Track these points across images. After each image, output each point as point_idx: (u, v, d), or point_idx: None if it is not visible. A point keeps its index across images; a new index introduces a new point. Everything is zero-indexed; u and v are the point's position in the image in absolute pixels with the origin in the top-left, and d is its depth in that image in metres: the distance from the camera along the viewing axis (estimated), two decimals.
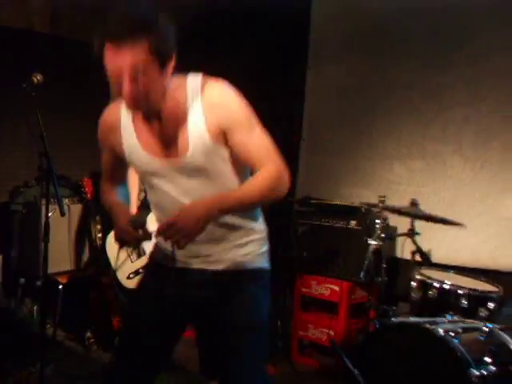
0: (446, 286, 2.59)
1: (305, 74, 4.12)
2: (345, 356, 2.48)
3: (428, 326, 2.36)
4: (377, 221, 2.83)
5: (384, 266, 2.78)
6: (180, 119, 1.49)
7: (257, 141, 1.51)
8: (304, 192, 3.80)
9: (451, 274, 2.86)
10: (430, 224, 2.68)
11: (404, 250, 2.96)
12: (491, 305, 2.56)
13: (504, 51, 3.11)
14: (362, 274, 2.76)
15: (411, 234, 2.73)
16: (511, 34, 3.11)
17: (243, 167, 1.59)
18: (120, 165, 1.69)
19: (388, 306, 2.72)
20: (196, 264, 1.63)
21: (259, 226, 1.70)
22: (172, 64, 1.44)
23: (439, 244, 3.11)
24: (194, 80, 1.50)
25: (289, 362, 3.18)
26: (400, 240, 3.00)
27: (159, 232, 1.44)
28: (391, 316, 2.66)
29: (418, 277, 2.66)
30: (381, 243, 2.69)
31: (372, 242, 2.72)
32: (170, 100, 1.49)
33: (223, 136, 1.49)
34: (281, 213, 3.52)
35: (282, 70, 4.11)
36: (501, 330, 2.43)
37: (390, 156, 3.56)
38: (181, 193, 1.56)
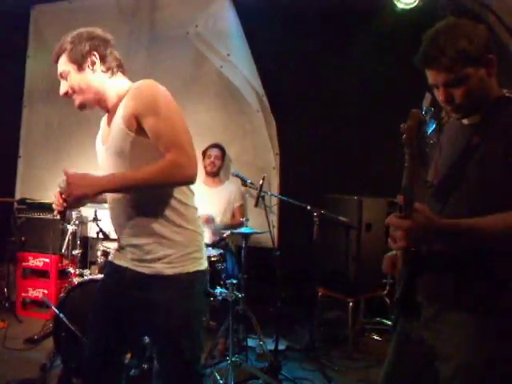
0: None
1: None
2: (54, 306, 3.02)
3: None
4: (73, 212, 3.98)
5: (78, 242, 3.99)
6: (116, 113, 1.71)
7: (166, 127, 1.61)
8: (21, 195, 4.95)
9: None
10: None
11: (91, 230, 4.15)
12: None
13: None
14: (63, 249, 3.97)
15: (95, 219, 3.74)
16: None
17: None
18: None
19: (83, 269, 3.66)
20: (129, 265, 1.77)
21: (177, 230, 1.72)
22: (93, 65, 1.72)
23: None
24: (138, 82, 1.73)
25: (15, 316, 4.31)
26: (89, 224, 4.12)
27: (59, 185, 1.66)
28: (85, 275, 3.52)
29: (101, 248, 3.53)
30: (75, 228, 3.91)
31: (69, 227, 3.86)
32: (115, 100, 1.76)
33: (134, 121, 1.64)
34: (2, 210, 4.62)
35: None
36: None
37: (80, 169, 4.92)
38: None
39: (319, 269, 3.90)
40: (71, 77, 1.76)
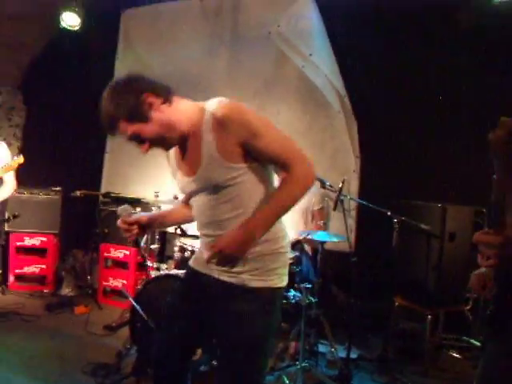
0: (196, 249, 3.32)
1: None
2: (131, 298, 3.13)
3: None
4: (152, 208, 4.14)
5: (157, 237, 4.17)
6: (197, 141, 1.61)
7: (276, 143, 1.59)
8: (106, 188, 5.20)
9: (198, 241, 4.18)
10: None
11: None
12: None
13: None
14: (142, 243, 3.89)
15: None
16: None
17: (267, 177, 1.68)
18: None
19: (160, 263, 3.82)
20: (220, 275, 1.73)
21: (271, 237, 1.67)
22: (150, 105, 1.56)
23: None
24: (210, 103, 1.61)
25: (96, 303, 4.57)
26: None
27: (208, 260, 1.61)
28: (161, 269, 3.63)
29: (178, 243, 3.65)
30: None
31: None
32: (189, 125, 1.63)
33: (240, 150, 1.58)
34: (89, 202, 4.89)
35: None
36: None
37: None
38: (207, 208, 1.69)
39: (397, 278, 3.74)
40: (146, 132, 1.60)
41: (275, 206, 1.60)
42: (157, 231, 4.24)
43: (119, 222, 1.76)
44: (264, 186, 1.67)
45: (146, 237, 4.04)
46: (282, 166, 1.61)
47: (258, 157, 1.61)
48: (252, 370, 1.71)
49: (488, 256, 1.25)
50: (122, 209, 1.79)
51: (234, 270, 1.67)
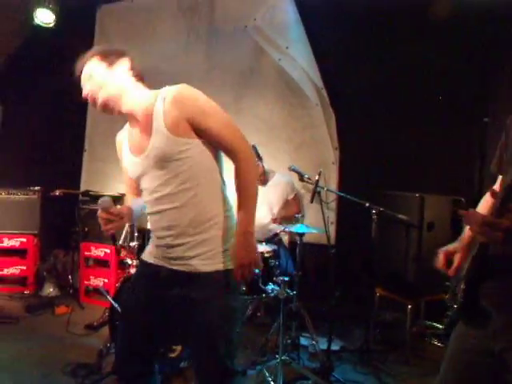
0: None
1: None
2: (108, 296, 3.23)
3: None
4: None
5: (136, 234, 4.03)
6: (148, 121, 1.68)
7: (222, 126, 1.68)
8: (85, 187, 5.15)
9: None
10: None
11: (148, 223, 4.31)
12: None
13: None
14: (121, 241, 3.90)
15: None
16: None
17: (215, 153, 1.74)
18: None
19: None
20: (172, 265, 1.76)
21: (216, 217, 1.72)
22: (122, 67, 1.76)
23: None
24: (165, 88, 1.70)
25: (78, 303, 4.53)
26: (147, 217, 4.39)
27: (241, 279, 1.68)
28: None
29: None
30: None
31: None
32: (142, 104, 1.73)
33: (187, 127, 1.64)
34: (68, 201, 4.84)
35: None
36: None
37: None
38: (156, 185, 1.72)
39: (377, 268, 3.75)
40: (98, 73, 1.75)
41: (248, 197, 1.71)
42: (136, 230, 4.18)
43: (99, 212, 1.76)
44: (211, 162, 1.73)
45: (123, 234, 4.00)
46: (226, 148, 1.72)
47: (203, 135, 1.68)
48: (218, 356, 1.71)
49: (475, 232, 1.24)
50: (102, 200, 1.77)
51: (185, 255, 1.71)
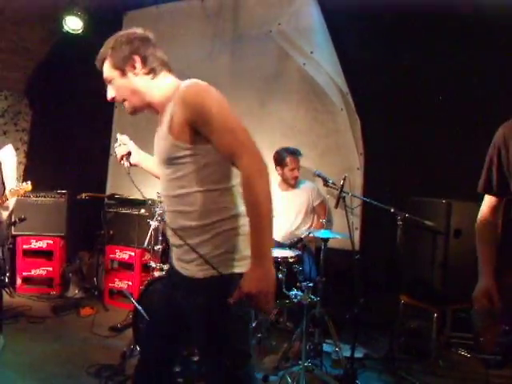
0: None
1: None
2: (132, 298, 3.26)
3: None
4: (156, 209, 3.96)
5: (160, 238, 4.01)
6: (164, 115, 1.66)
7: (224, 131, 1.54)
8: (111, 191, 5.22)
9: None
10: None
11: None
12: None
13: None
14: (145, 244, 4.01)
15: None
16: None
17: (219, 161, 1.61)
18: None
19: (163, 264, 3.71)
20: (177, 266, 1.75)
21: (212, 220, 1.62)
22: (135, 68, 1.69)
23: None
24: (185, 82, 1.64)
25: (102, 304, 4.58)
26: None
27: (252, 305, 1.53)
28: (165, 270, 3.49)
29: None
30: (158, 224, 3.88)
31: (152, 223, 3.86)
32: (162, 100, 1.70)
33: (188, 130, 1.56)
34: (94, 204, 4.91)
35: None
36: None
37: None
38: (163, 180, 1.73)
39: (402, 275, 3.69)
40: (116, 83, 1.75)
41: (257, 217, 1.52)
42: (160, 233, 4.20)
43: (117, 137, 2.01)
44: (219, 169, 1.62)
45: (147, 238, 4.01)
46: (225, 154, 1.57)
47: (208, 140, 1.58)
48: (217, 364, 1.64)
49: None
50: (121, 136, 2.05)
51: (183, 258, 1.69)
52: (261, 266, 1.50)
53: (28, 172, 5.25)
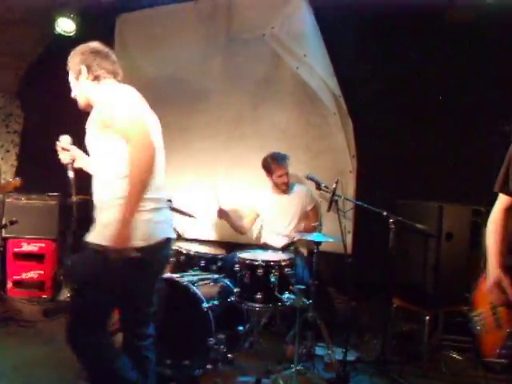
0: (191, 252, 3.57)
1: None
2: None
3: (177, 278, 3.10)
4: None
5: None
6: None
7: (123, 131, 2.00)
8: None
9: (195, 244, 3.91)
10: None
11: None
12: (219, 262, 3.59)
13: None
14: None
15: None
16: None
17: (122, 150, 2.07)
18: None
19: None
20: None
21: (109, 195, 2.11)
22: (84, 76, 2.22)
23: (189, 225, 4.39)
24: (110, 85, 2.21)
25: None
26: None
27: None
28: None
29: (173, 247, 3.26)
30: None
31: None
32: (95, 99, 2.21)
33: (100, 123, 2.07)
34: (85, 207, 4.87)
35: None
36: (223, 277, 3.36)
37: None
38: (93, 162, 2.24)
39: (395, 278, 3.69)
40: (72, 84, 2.32)
41: (130, 184, 1.96)
42: None
43: (58, 144, 2.45)
44: (114, 154, 2.06)
45: None
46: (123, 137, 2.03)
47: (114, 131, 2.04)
48: (82, 304, 2.18)
49: None
50: (63, 138, 2.47)
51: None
52: (118, 228, 2.00)
53: (19, 174, 5.19)
